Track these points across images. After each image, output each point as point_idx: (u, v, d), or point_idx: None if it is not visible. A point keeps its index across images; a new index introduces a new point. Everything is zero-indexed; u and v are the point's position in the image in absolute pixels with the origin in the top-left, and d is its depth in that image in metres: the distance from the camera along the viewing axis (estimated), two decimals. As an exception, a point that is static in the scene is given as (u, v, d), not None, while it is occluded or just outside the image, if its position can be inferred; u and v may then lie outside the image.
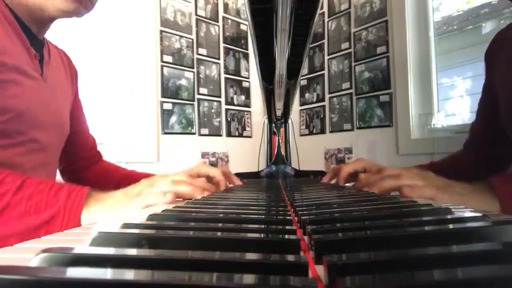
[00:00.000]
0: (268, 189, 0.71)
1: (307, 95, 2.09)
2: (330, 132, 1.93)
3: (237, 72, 2.12)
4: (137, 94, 1.67)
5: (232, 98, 2.08)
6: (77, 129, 0.83)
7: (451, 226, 0.24)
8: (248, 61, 2.18)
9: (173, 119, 1.79)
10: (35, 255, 0.17)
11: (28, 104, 0.58)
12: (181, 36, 1.83)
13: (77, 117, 0.84)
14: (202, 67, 1.93)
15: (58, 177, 0.85)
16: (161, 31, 1.75)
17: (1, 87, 0.53)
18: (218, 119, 1.99)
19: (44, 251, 0.17)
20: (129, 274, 0.14)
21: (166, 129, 1.75)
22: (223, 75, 2.04)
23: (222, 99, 2.03)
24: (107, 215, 0.44)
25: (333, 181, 0.81)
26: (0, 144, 0.55)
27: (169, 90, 1.77)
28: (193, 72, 1.88)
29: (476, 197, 0.45)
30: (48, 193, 0.43)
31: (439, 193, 0.45)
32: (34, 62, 0.62)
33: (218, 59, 2.02)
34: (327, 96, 1.96)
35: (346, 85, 1.84)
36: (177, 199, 0.53)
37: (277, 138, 1.20)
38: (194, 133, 1.87)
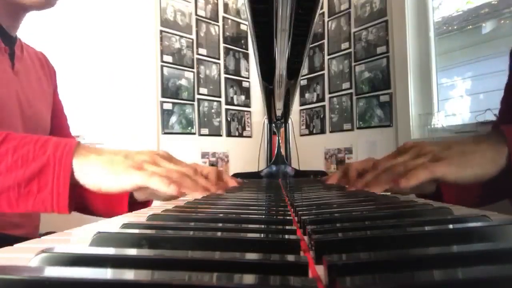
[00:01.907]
0: (268, 189, 0.71)
1: (307, 95, 2.09)
2: (330, 132, 1.93)
3: (237, 72, 2.12)
4: (137, 94, 1.67)
5: (232, 98, 2.08)
6: (56, 128, 0.81)
7: (451, 226, 0.24)
8: (248, 61, 2.18)
9: (173, 119, 1.79)
10: (35, 255, 0.17)
11: None
12: (181, 36, 1.83)
13: (58, 117, 0.83)
14: (202, 67, 1.93)
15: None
16: (161, 31, 1.75)
17: None
18: (218, 119, 1.99)
19: (44, 251, 0.17)
20: (129, 274, 0.14)
21: (166, 129, 1.75)
22: (223, 75, 2.04)
23: (222, 99, 2.03)
24: (100, 171, 0.41)
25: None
26: None
27: (169, 90, 1.77)
28: (193, 72, 1.88)
29: (480, 154, 0.41)
30: (35, 144, 0.40)
31: (436, 167, 0.40)
32: (3, 54, 0.63)
33: (218, 59, 2.02)
34: (327, 96, 1.96)
35: (346, 85, 1.84)
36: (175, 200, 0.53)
37: (277, 138, 1.20)
38: (194, 133, 1.87)
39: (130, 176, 0.41)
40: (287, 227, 0.24)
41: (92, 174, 0.41)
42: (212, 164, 1.92)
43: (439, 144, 0.45)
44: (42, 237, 0.25)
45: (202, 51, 1.93)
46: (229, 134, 2.05)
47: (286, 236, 0.21)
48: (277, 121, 1.19)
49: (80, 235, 0.27)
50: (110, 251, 0.19)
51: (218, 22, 2.02)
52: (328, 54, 1.95)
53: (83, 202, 0.59)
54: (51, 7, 0.64)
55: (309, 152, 1.96)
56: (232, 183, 0.68)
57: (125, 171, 0.41)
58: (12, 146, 0.39)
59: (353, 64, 1.79)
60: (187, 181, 0.46)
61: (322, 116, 1.99)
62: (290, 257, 0.16)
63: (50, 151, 0.40)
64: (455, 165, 0.40)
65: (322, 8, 2.00)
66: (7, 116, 0.61)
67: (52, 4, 0.63)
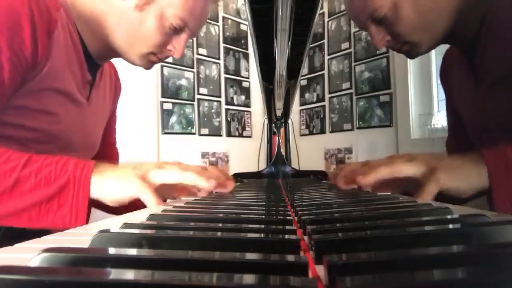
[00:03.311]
0: (268, 189, 0.71)
1: (307, 95, 2.09)
2: (330, 132, 1.93)
3: (237, 72, 2.12)
4: (137, 94, 1.67)
5: (232, 98, 2.08)
6: (105, 142, 0.81)
7: (451, 226, 0.24)
8: (248, 61, 2.18)
9: (173, 119, 1.79)
10: (35, 255, 0.17)
11: (67, 130, 0.58)
12: (181, 36, 1.83)
13: (109, 132, 0.83)
14: (202, 67, 1.93)
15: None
16: (161, 31, 1.75)
17: (48, 112, 0.53)
18: (218, 119, 1.99)
19: (45, 251, 0.17)
20: (129, 274, 0.14)
21: (166, 129, 1.75)
22: (223, 75, 2.04)
23: (222, 99, 2.03)
24: (114, 187, 0.44)
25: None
26: None
27: (169, 90, 1.77)
28: (193, 72, 1.88)
29: (467, 169, 0.44)
30: (56, 165, 0.43)
31: (435, 174, 0.43)
32: (85, 87, 0.62)
33: (218, 59, 2.02)
34: (327, 96, 1.96)
35: (346, 85, 1.84)
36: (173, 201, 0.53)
37: (277, 138, 1.20)
38: (194, 133, 1.87)
39: (137, 185, 0.45)
40: (287, 227, 0.24)
41: (106, 189, 0.44)
42: (212, 164, 1.92)
43: (428, 154, 0.49)
44: (42, 237, 0.25)
45: (202, 51, 1.93)
46: (229, 134, 2.05)
47: (286, 236, 0.21)
48: (277, 121, 1.19)
49: (80, 235, 0.27)
50: (110, 251, 0.19)
51: (218, 22, 2.02)
52: (328, 54, 1.95)
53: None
54: (146, 69, 0.68)
55: (309, 152, 1.96)
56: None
57: (132, 181, 0.45)
58: (36, 168, 0.42)
59: (353, 64, 1.79)
60: (189, 174, 0.47)
61: (322, 116, 1.99)
62: (290, 257, 0.16)
63: (70, 171, 0.43)
64: (450, 175, 0.43)
65: (322, 8, 2.00)
66: (71, 143, 0.61)
67: (148, 69, 0.68)
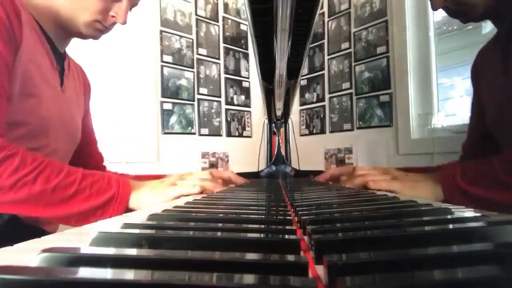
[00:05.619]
0: (268, 189, 0.71)
1: (307, 95, 2.09)
2: (330, 132, 1.93)
3: (237, 72, 2.12)
4: (137, 94, 1.67)
5: (232, 98, 2.08)
6: (86, 141, 0.86)
7: (451, 226, 0.24)
8: (248, 61, 2.17)
9: (173, 119, 1.78)
10: (35, 255, 0.17)
11: (47, 114, 0.63)
12: (181, 36, 1.83)
13: (88, 131, 0.88)
14: (202, 67, 1.93)
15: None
16: (161, 31, 1.75)
17: (29, 94, 0.58)
18: (218, 119, 1.99)
19: (44, 251, 0.17)
20: (129, 274, 0.14)
21: (166, 129, 1.75)
22: (223, 75, 2.04)
23: (222, 99, 2.03)
24: (147, 197, 0.55)
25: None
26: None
27: (169, 90, 1.77)
28: (193, 72, 1.88)
29: (424, 184, 0.56)
30: (103, 181, 0.54)
31: (394, 183, 0.56)
32: (55, 73, 0.67)
33: (218, 59, 2.02)
34: (327, 96, 1.95)
35: (346, 85, 1.84)
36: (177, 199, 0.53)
37: (277, 138, 1.20)
38: (194, 133, 1.86)
39: (169, 192, 0.56)
40: (287, 227, 0.24)
41: (142, 200, 0.56)
42: (212, 164, 1.92)
43: (399, 171, 0.64)
44: (42, 237, 0.25)
45: (202, 51, 1.93)
46: (229, 134, 2.04)
47: (286, 236, 0.21)
48: (277, 121, 1.19)
49: (80, 235, 0.27)
50: (110, 251, 0.19)
51: (218, 22, 2.02)
52: (328, 54, 1.95)
53: None
54: (96, 40, 0.74)
55: (309, 152, 1.96)
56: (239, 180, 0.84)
57: (164, 191, 0.57)
58: (90, 182, 0.52)
59: (353, 64, 1.79)
60: (207, 183, 0.62)
61: (322, 116, 1.99)
62: (290, 257, 0.16)
63: (115, 187, 0.53)
64: (405, 187, 0.56)
65: (322, 8, 2.00)
66: (53, 131, 0.66)
67: (97, 39, 0.73)
